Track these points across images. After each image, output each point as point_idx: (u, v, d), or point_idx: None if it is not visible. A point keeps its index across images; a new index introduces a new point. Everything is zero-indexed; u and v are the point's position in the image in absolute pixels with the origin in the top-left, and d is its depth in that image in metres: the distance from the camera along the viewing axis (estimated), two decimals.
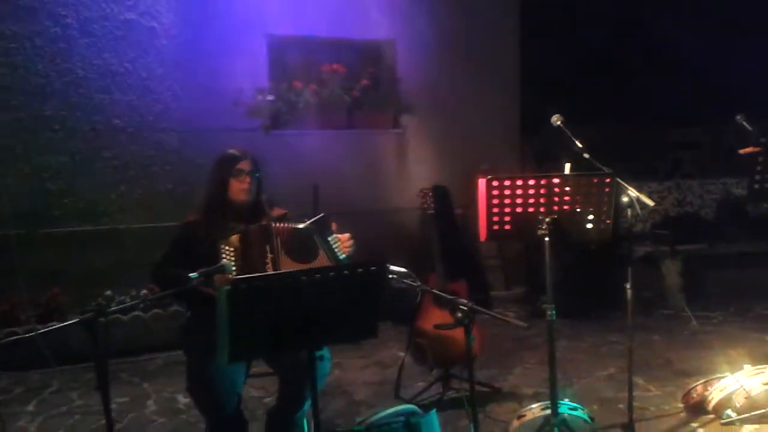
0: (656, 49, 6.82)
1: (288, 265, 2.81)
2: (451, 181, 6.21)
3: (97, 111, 5.38)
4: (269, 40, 5.90)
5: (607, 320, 5.38)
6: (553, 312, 3.16)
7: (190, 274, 2.55)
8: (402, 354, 4.33)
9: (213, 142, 5.52)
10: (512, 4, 6.63)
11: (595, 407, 3.87)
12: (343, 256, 2.93)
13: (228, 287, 2.23)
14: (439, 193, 5.62)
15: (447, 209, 5.95)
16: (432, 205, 4.47)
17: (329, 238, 2.92)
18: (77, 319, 2.17)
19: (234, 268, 2.72)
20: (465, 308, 2.70)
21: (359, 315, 2.48)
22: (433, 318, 4.10)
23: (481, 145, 6.44)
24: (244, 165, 2.97)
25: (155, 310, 5.04)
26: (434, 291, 2.96)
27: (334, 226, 2.98)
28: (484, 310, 2.76)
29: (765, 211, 6.03)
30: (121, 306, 4.19)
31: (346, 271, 2.44)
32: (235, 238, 2.81)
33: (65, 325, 2.28)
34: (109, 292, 5.09)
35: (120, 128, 5.44)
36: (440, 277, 4.35)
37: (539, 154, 6.58)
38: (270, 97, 5.82)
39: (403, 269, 2.80)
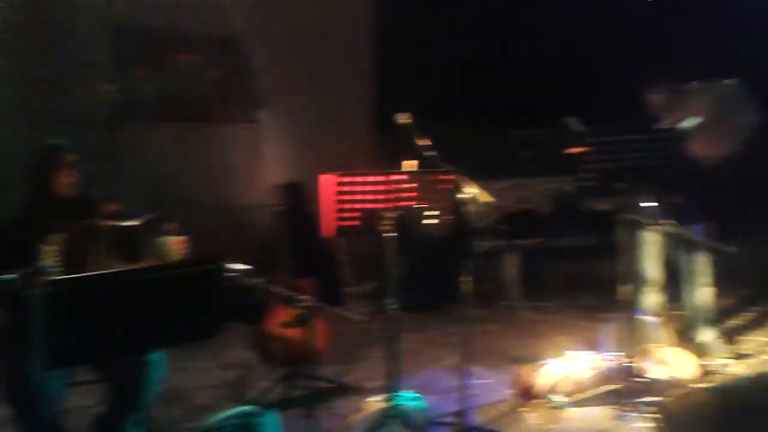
0: (508, 51, 7.12)
1: (115, 266, 2.67)
2: (307, 177, 6.18)
3: None
4: (115, 28, 5.57)
5: (451, 313, 5.59)
6: (396, 306, 3.24)
7: (4, 277, 2.38)
8: (246, 354, 4.26)
9: (52, 134, 5.16)
10: (367, 2, 6.69)
11: (434, 397, 4.01)
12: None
13: (44, 289, 2.09)
14: (293, 190, 5.58)
15: (300, 206, 5.91)
16: (282, 202, 4.45)
17: (159, 239, 2.81)
18: None
19: (56, 269, 2.56)
20: (304, 305, 2.73)
21: (194, 315, 2.40)
22: (281, 317, 4.07)
23: (337, 141, 6.45)
24: (69, 156, 2.79)
25: None
26: (275, 288, 2.95)
27: (170, 227, 2.88)
28: (322, 305, 2.80)
29: (598, 208, 6.49)
30: None
31: (176, 270, 2.37)
32: (58, 236, 2.64)
33: None
34: None
35: None
36: (289, 275, 4.35)
37: (393, 152, 6.70)
38: (114, 88, 5.52)
39: (244, 266, 2.77)
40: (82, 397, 3.70)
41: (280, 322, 4.02)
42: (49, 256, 2.60)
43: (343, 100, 6.50)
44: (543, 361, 4.01)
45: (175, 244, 2.87)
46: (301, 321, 2.68)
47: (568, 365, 3.87)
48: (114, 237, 2.72)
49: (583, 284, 6.25)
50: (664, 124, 3.93)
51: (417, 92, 6.62)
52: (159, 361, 2.74)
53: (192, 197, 5.27)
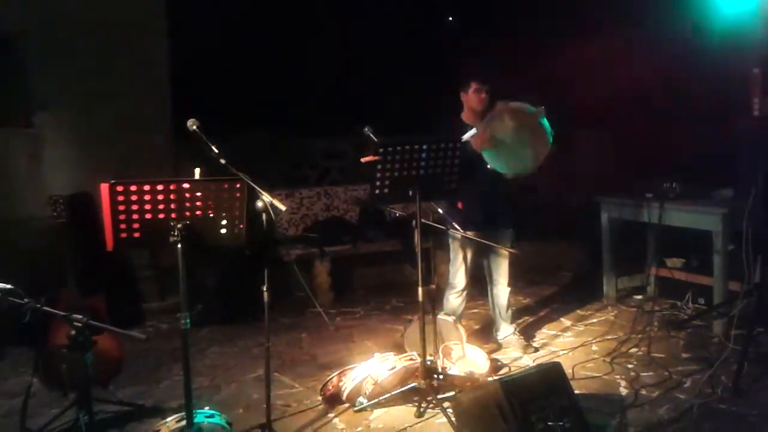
0: (307, 63, 7.14)
1: None
2: (94, 185, 5.73)
3: None
4: None
5: (260, 323, 5.45)
6: (187, 321, 3.07)
7: None
8: (29, 380, 3.85)
9: None
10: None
11: (241, 410, 3.90)
12: None
13: None
14: (78, 201, 5.16)
15: (88, 218, 5.47)
16: (63, 213, 4.09)
17: None
18: None
19: None
20: (79, 325, 2.49)
21: None
22: (65, 337, 3.72)
23: (131, 149, 6.06)
24: None
25: None
26: (44, 308, 2.65)
27: None
28: (99, 325, 2.57)
29: (396, 214, 6.70)
30: None
31: None
32: None
33: None
34: None
35: None
36: (74, 293, 4.01)
37: (192, 160, 6.44)
38: None
39: (6, 286, 2.48)
40: None
41: (64, 343, 3.67)
42: None
43: (138, 105, 6.11)
44: (350, 366, 4.03)
45: None
46: (76, 341, 2.43)
47: (372, 368, 3.92)
48: None
49: (390, 288, 6.43)
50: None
51: (218, 99, 6.47)
52: None
53: None
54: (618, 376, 4.19)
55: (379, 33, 7.21)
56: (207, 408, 3.23)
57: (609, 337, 4.90)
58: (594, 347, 4.74)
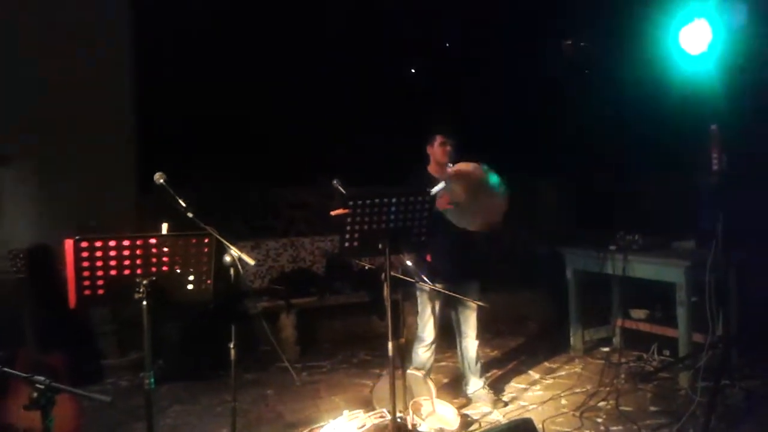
0: (270, 110, 7.11)
1: None
2: (58, 240, 5.59)
3: None
4: None
5: (225, 379, 5.32)
6: (152, 380, 2.98)
7: None
8: None
9: None
10: (125, 46, 6.33)
11: None
12: None
13: None
14: (38, 255, 5.03)
15: (48, 272, 5.33)
16: (22, 268, 3.98)
17: None
18: None
19: None
20: (41, 386, 2.39)
21: None
22: (24, 398, 3.56)
23: (94, 200, 5.95)
24: None
25: None
26: (4, 369, 2.55)
27: None
28: (63, 387, 2.47)
29: (364, 266, 6.67)
30: None
31: None
32: None
33: None
34: None
35: None
36: (32, 351, 3.87)
37: (157, 213, 6.37)
38: None
39: None
40: None
41: (20, 405, 3.52)
42: None
43: (102, 156, 6.04)
44: (319, 424, 3.94)
45: None
46: (38, 404, 2.33)
47: (341, 427, 3.83)
48: None
49: (358, 340, 6.35)
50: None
51: (181, 150, 6.42)
52: None
53: None
54: (588, 431, 4.17)
55: (343, 80, 7.28)
56: None
57: (577, 390, 4.89)
58: (563, 401, 4.72)
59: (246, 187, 7.03)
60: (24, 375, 2.45)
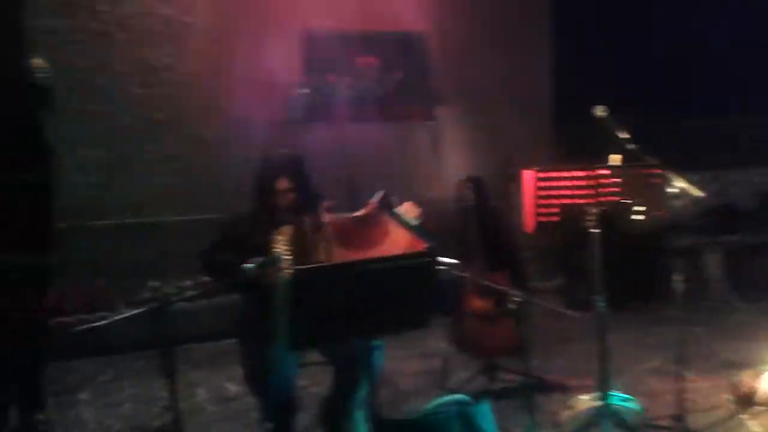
0: (706, 31, 6.64)
1: (340, 255, 2.83)
2: (485, 172, 6.17)
3: (138, 105, 5.44)
4: (304, 33, 5.91)
5: (649, 312, 5.33)
6: (603, 303, 3.14)
7: (245, 265, 2.59)
8: (444, 345, 4.34)
9: (251, 135, 5.60)
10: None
11: (642, 399, 3.85)
12: (415, 222, 2.90)
13: (288, 277, 2.26)
14: (476, 185, 5.61)
15: (483, 200, 5.92)
16: (471, 196, 4.48)
17: (396, 211, 2.91)
18: (145, 308, 2.22)
19: (287, 258, 2.75)
20: (518, 299, 2.72)
21: (413, 304, 2.50)
22: (475, 308, 4.12)
23: (515, 136, 6.40)
24: (282, 183, 2.91)
25: (202, 301, 5.07)
26: (487, 282, 2.98)
27: (395, 200, 2.98)
28: (536, 300, 2.78)
29: None
30: (185, 296, 4.38)
31: (400, 261, 2.46)
32: (287, 229, 2.84)
33: (133, 314, 2.32)
34: (155, 283, 5.15)
35: (161, 122, 5.50)
36: (480, 269, 4.37)
37: (573, 146, 6.54)
38: (305, 90, 5.84)
39: (452, 260, 2.82)
40: (303, 379, 4.01)
41: (477, 313, 4.06)
42: (281, 247, 2.79)
43: (522, 93, 6.43)
44: (766, 366, 3.71)
45: (409, 210, 2.93)
46: (513, 315, 2.67)
47: None
48: (339, 228, 2.87)
49: None
50: None
51: (596, 82, 6.40)
52: (379, 347, 2.86)
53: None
54: None
55: None
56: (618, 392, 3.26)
57: None
58: None
59: (668, 118, 6.73)
60: (503, 288, 2.82)
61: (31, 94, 3.15)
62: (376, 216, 2.89)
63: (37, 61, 3.17)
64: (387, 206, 2.91)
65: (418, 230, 2.87)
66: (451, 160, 6.32)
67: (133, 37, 5.40)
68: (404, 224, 2.88)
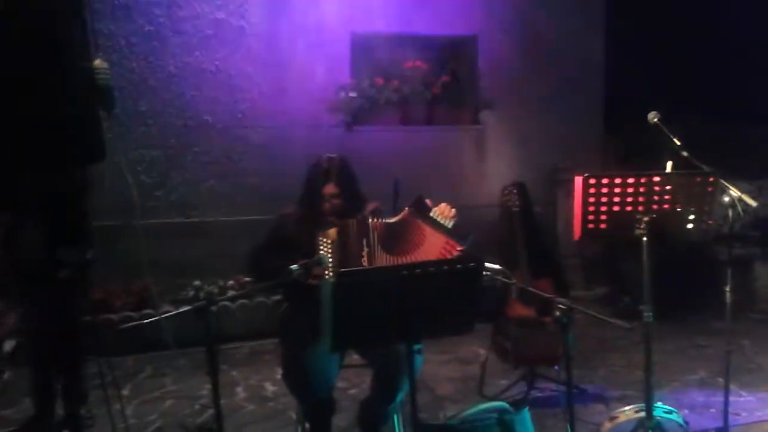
0: (750, 45, 6.52)
1: (383, 259, 2.84)
2: (529, 178, 6.12)
3: (189, 107, 5.56)
4: (352, 37, 5.97)
5: (693, 323, 5.23)
6: (651, 313, 3.08)
7: (291, 266, 2.62)
8: (484, 351, 4.32)
9: (298, 138, 5.68)
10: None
11: (686, 411, 3.78)
12: (450, 224, 2.90)
13: (333, 279, 2.28)
14: (521, 191, 5.58)
15: (527, 206, 5.87)
16: (517, 202, 4.45)
17: (431, 215, 2.91)
18: (191, 307, 2.27)
19: (331, 261, 2.78)
20: (564, 307, 2.68)
21: (457, 310, 2.50)
22: (519, 315, 4.08)
23: (560, 141, 6.37)
24: (329, 189, 2.98)
25: (242, 301, 5.16)
26: (533, 290, 2.96)
27: (429, 203, 3.00)
28: (584, 309, 2.74)
29: None
30: (229, 295, 4.37)
31: (445, 267, 2.45)
32: (333, 231, 2.86)
33: (180, 312, 2.37)
34: (198, 282, 5.26)
35: (210, 124, 5.60)
36: (525, 275, 4.33)
37: (621, 152, 6.46)
38: (352, 94, 5.89)
39: (498, 266, 2.80)
40: (341, 381, 4.03)
41: (521, 320, 4.03)
42: (325, 248, 2.83)
43: (570, 98, 6.38)
44: None
45: (444, 212, 2.94)
46: (559, 322, 2.63)
47: None
48: (383, 232, 2.89)
49: None
50: None
51: (650, 87, 6.30)
52: (420, 350, 2.86)
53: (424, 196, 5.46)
54: None
55: None
56: (660, 403, 3.21)
57: None
58: None
59: (714, 125, 6.59)
60: (549, 296, 2.78)
61: (92, 94, 3.24)
62: (410, 221, 2.90)
63: (98, 62, 3.26)
64: (421, 210, 2.91)
65: (452, 232, 2.88)
66: (498, 166, 6.31)
67: (186, 40, 5.52)
68: (439, 227, 2.88)
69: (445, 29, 6.26)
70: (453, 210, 2.93)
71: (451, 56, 6.54)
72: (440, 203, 2.99)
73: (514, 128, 6.38)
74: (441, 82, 6.18)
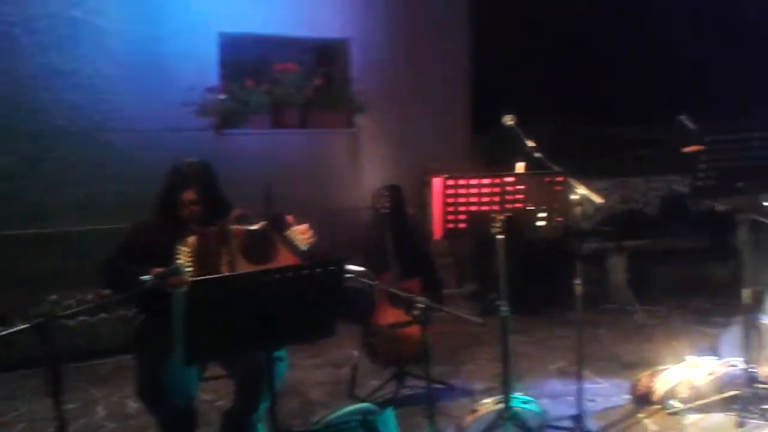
0: (613, 44, 6.94)
1: (244, 267, 2.79)
2: (402, 180, 6.24)
3: (42, 111, 5.21)
4: (221, 38, 5.82)
5: (554, 315, 5.51)
6: (507, 308, 3.22)
7: (143, 277, 2.52)
8: (355, 353, 4.35)
9: (163, 142, 5.45)
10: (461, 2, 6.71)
11: (546, 400, 3.96)
12: (304, 248, 2.90)
13: (185, 288, 2.21)
14: (393, 193, 5.67)
15: (400, 208, 5.98)
16: (387, 204, 4.51)
17: (287, 233, 2.90)
18: (28, 324, 2.12)
19: (189, 270, 2.70)
20: (422, 306, 2.75)
21: (317, 314, 2.49)
22: (387, 316, 4.14)
23: (432, 144, 6.52)
24: (188, 195, 2.87)
25: (102, 315, 4.92)
26: (392, 290, 3.00)
27: (290, 219, 2.97)
28: (440, 307, 2.82)
29: (705, 208, 6.25)
30: (71, 310, 4.14)
31: (304, 271, 2.44)
32: (192, 239, 2.78)
33: (16, 330, 2.21)
34: (54, 297, 4.94)
35: (65, 129, 5.27)
36: (394, 276, 4.40)
37: (489, 154, 6.71)
38: (221, 97, 5.75)
39: (360, 268, 2.82)
40: (208, 394, 3.92)
41: (389, 322, 4.09)
42: (184, 257, 2.74)
43: (440, 103, 6.55)
44: (661, 367, 3.89)
45: (302, 233, 2.92)
46: (418, 321, 2.69)
47: (686, 371, 3.74)
48: (243, 240, 2.84)
49: (694, 287, 6.01)
50: None
51: (512, 91, 6.60)
52: (282, 358, 2.84)
53: (295, 200, 5.43)
54: None
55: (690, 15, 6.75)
56: (519, 394, 3.35)
57: None
58: None
59: (577, 126, 6.99)
60: (408, 295, 2.84)
61: None
62: (268, 234, 2.87)
63: None
64: (278, 227, 2.89)
65: (305, 255, 2.87)
66: (372, 168, 6.37)
67: (38, 40, 5.18)
68: (291, 247, 2.87)
69: (317, 32, 6.25)
70: (310, 233, 2.92)
71: (324, 59, 6.54)
72: (302, 224, 2.97)
73: (388, 131, 6.46)
74: (314, 86, 6.15)
